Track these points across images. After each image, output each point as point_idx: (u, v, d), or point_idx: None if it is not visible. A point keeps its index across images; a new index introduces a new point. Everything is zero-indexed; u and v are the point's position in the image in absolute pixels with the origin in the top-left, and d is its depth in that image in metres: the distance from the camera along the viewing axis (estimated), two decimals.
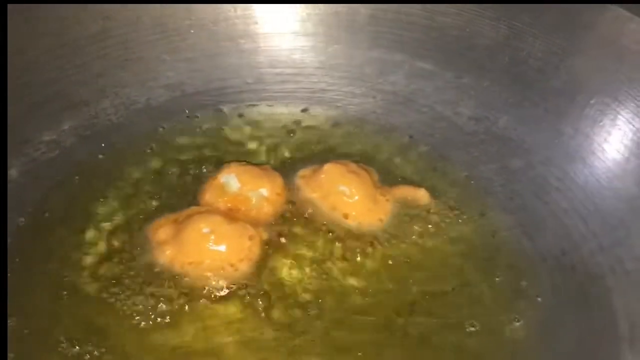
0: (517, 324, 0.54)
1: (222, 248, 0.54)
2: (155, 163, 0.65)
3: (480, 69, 0.68)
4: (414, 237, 0.60)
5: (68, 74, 0.66)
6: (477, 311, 0.55)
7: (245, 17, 0.72)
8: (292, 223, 0.59)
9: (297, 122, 0.70)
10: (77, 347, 0.50)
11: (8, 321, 0.50)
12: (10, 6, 0.62)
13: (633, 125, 0.59)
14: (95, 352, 0.50)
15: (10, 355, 0.48)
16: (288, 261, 0.57)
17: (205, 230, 0.54)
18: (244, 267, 0.55)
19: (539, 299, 0.56)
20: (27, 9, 0.64)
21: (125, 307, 0.53)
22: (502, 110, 0.67)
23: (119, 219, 0.60)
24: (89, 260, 0.56)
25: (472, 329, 0.54)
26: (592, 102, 0.62)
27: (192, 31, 0.71)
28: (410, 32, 0.71)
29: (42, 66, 0.64)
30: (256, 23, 0.73)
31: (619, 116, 0.60)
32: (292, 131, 0.69)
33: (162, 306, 0.53)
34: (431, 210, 0.62)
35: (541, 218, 0.61)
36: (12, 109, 0.62)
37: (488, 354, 0.52)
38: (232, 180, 0.60)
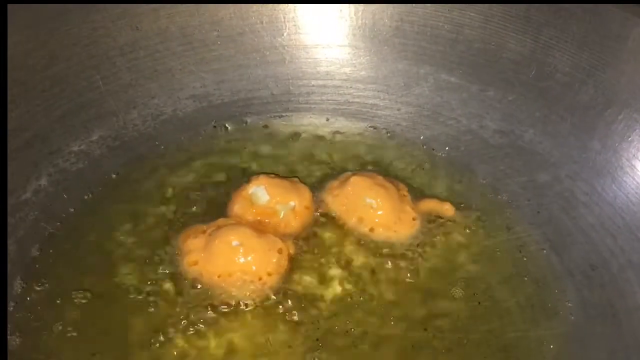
0: (545, 340, 0.54)
1: (251, 261, 0.55)
2: (182, 174, 0.65)
3: (506, 83, 0.68)
4: (440, 250, 0.60)
5: (98, 85, 0.66)
6: (504, 327, 0.55)
7: (271, 29, 0.73)
8: (319, 236, 0.60)
9: (323, 134, 0.70)
10: None
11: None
12: (41, 17, 0.63)
13: None
14: None
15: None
16: (315, 274, 0.57)
17: (235, 243, 0.55)
18: (272, 280, 0.55)
19: (568, 315, 0.56)
20: (57, 19, 0.65)
21: (152, 319, 0.53)
22: (528, 124, 0.67)
23: (147, 229, 0.60)
24: (118, 270, 0.57)
25: (500, 344, 0.53)
26: (620, 117, 0.61)
27: (219, 42, 0.71)
28: (435, 45, 0.71)
29: (72, 77, 0.65)
30: (282, 35, 0.73)
31: None
32: (318, 143, 0.69)
33: (190, 318, 0.53)
34: (457, 224, 0.62)
35: (568, 233, 0.61)
36: (42, 120, 0.63)
37: None
38: (260, 192, 0.60)
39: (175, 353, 0.52)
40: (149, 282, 0.56)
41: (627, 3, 0.61)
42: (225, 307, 0.54)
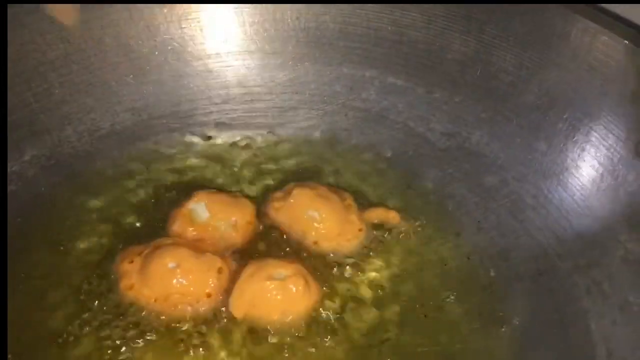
0: (493, 349, 0.53)
1: (189, 283, 0.53)
2: (121, 191, 0.63)
3: (451, 84, 0.67)
4: (386, 261, 0.58)
5: (29, 102, 0.64)
6: (451, 337, 0.53)
7: (211, 36, 0.70)
8: (262, 251, 0.58)
9: (267, 143, 0.69)
10: None
11: None
12: None
13: (606, 142, 0.58)
14: None
15: None
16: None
17: (171, 265, 0.53)
18: (212, 301, 0.53)
19: (516, 321, 0.54)
20: None
21: (87, 345, 0.51)
22: (475, 126, 0.66)
23: (83, 252, 0.58)
24: (51, 296, 0.55)
25: (447, 356, 0.52)
26: (564, 116, 0.60)
27: (157, 52, 0.69)
28: (380, 48, 0.69)
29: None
30: (224, 41, 0.71)
31: (592, 132, 0.59)
32: (262, 152, 0.68)
33: (128, 343, 0.51)
34: (405, 232, 0.61)
35: (517, 237, 0.60)
36: None
37: None
38: (200, 209, 0.58)
39: None
40: (82, 308, 0.53)
41: (568, 3, 0.60)
42: (163, 331, 0.52)
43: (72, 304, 0.54)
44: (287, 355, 0.52)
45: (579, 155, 0.59)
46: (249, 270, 0.54)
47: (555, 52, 0.61)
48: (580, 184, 0.59)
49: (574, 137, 0.60)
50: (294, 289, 0.52)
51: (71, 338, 0.52)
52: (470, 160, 0.65)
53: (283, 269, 0.53)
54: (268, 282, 0.53)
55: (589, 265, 0.55)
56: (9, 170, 0.62)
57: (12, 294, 0.54)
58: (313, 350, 0.52)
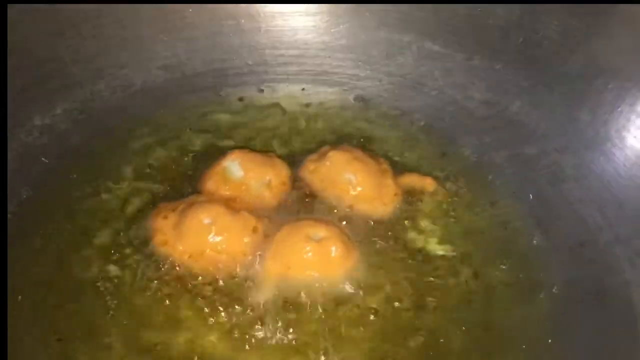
0: (530, 318, 0.52)
1: (223, 240, 0.52)
2: (153, 148, 0.62)
3: (492, 51, 0.65)
4: (421, 228, 0.57)
5: (61, 55, 0.63)
6: (488, 305, 0.53)
7: None
8: (296, 213, 0.57)
9: (301, 106, 0.67)
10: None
11: None
12: None
13: None
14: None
15: None
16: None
17: (206, 221, 0.52)
18: (247, 260, 0.52)
19: (554, 292, 0.53)
20: None
21: (117, 299, 0.51)
22: (515, 95, 0.64)
23: (115, 206, 0.57)
24: (84, 250, 0.54)
25: (483, 323, 0.51)
26: (610, 86, 0.59)
27: (192, 9, 0.68)
28: (419, 11, 0.68)
29: (34, 46, 0.61)
30: (259, 2, 0.69)
31: (639, 101, 0.57)
32: (296, 116, 0.66)
33: (163, 299, 0.51)
34: (440, 200, 0.59)
35: (555, 208, 0.58)
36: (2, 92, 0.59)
37: (502, 350, 0.50)
38: (235, 167, 0.57)
39: (139, 335, 0.49)
40: (115, 262, 0.53)
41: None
42: (196, 287, 0.51)
43: (104, 257, 0.53)
44: (323, 317, 0.51)
45: (623, 126, 0.58)
46: (284, 230, 0.53)
47: (602, 20, 0.60)
48: (624, 155, 0.57)
49: (619, 108, 0.58)
50: (333, 250, 0.51)
51: (99, 290, 0.51)
52: (509, 129, 0.63)
53: (321, 230, 0.52)
54: (305, 243, 0.52)
55: (631, 237, 0.54)
56: (40, 122, 0.61)
57: (42, 247, 0.54)
58: (348, 314, 0.51)
